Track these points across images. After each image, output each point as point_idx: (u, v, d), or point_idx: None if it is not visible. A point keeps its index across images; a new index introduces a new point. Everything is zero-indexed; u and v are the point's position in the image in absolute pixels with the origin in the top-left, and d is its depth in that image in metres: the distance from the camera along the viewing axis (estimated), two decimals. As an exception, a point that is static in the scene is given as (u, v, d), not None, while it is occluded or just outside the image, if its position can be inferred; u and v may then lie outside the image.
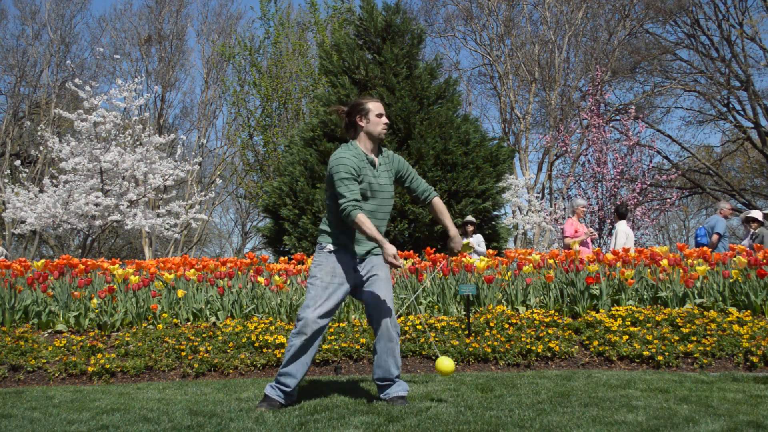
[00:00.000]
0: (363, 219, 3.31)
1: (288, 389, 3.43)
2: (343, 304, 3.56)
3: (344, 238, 3.50)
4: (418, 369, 4.79)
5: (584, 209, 8.53)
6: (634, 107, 16.84)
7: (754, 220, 9.27)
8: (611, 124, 15.77)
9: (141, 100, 14.84)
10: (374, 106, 3.51)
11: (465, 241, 8.29)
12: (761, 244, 8.18)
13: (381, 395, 3.49)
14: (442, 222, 3.68)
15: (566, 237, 7.97)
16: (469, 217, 9.29)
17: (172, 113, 30.90)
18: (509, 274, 6.05)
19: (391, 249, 3.31)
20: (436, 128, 10.70)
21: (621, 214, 9.22)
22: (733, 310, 5.28)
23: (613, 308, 5.35)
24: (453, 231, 3.61)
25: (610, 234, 13.52)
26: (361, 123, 3.52)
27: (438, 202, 3.69)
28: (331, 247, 3.50)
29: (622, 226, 9.00)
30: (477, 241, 9.18)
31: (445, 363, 3.50)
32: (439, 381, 4.19)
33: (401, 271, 3.50)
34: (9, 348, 4.88)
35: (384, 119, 3.52)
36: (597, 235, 8.54)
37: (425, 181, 3.57)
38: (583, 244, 7.95)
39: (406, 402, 3.43)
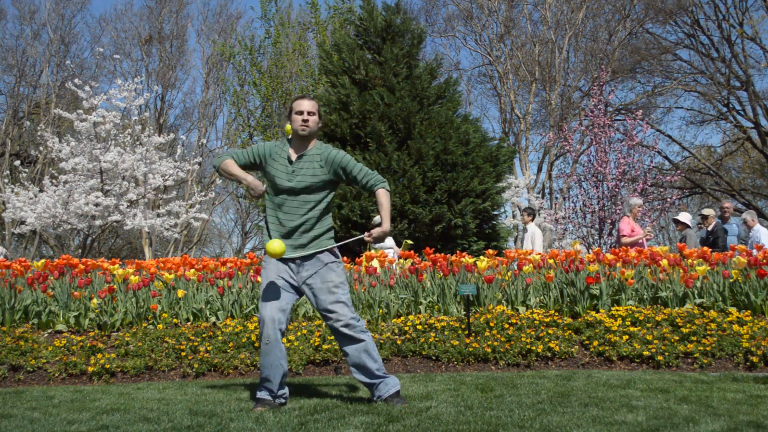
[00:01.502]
0: (227, 163, 3.53)
1: (273, 393, 3.45)
2: (294, 304, 3.57)
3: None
4: (418, 369, 4.79)
5: (640, 208, 8.38)
6: (641, 110, 16.83)
7: (679, 222, 9.31)
8: (614, 125, 15.75)
9: (141, 100, 14.83)
10: (295, 104, 3.59)
11: (407, 241, 8.08)
12: (684, 244, 8.19)
13: (374, 398, 3.50)
14: (379, 213, 3.64)
15: (623, 236, 7.80)
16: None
17: (172, 113, 30.87)
18: (509, 274, 6.05)
19: (255, 184, 3.41)
20: (436, 128, 10.71)
21: (533, 214, 9.22)
22: (733, 310, 5.28)
23: (613, 308, 5.34)
24: (384, 225, 3.51)
25: (610, 234, 13.49)
26: (288, 121, 3.65)
27: (381, 194, 3.53)
28: None
29: (534, 227, 9.04)
30: (390, 243, 9.01)
31: (275, 244, 3.40)
32: (439, 381, 4.18)
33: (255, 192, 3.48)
34: (9, 348, 4.88)
35: (302, 116, 3.53)
36: (652, 235, 8.31)
37: (373, 172, 3.56)
38: (638, 243, 7.80)
39: (404, 399, 3.44)
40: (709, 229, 9.37)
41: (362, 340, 3.46)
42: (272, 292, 3.47)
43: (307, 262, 3.51)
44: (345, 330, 3.44)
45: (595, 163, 14.71)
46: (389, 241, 9.03)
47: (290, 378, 4.54)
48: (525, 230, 9.51)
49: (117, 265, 6.28)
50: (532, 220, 9.26)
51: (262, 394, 3.45)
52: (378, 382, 3.48)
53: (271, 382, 3.42)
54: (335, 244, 3.60)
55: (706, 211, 9.64)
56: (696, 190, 25.25)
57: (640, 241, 7.85)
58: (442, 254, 6.45)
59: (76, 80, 14.19)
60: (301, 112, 3.53)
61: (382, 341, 4.96)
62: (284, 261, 3.53)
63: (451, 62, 27.92)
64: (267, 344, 3.40)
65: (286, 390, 3.52)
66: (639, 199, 8.47)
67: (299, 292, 3.57)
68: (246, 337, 5.02)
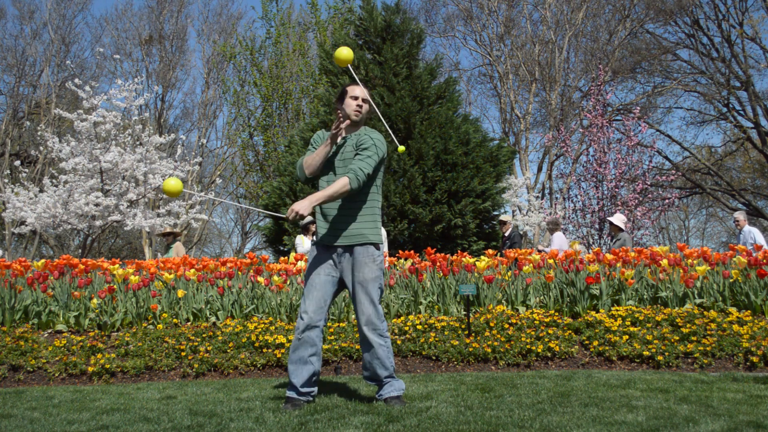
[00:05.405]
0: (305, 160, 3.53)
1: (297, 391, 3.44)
2: (333, 299, 3.53)
3: (320, 230, 3.53)
4: (418, 369, 4.78)
5: None
6: (638, 108, 16.85)
7: (612, 224, 9.31)
8: (613, 125, 15.76)
9: (141, 100, 14.83)
10: (350, 89, 3.59)
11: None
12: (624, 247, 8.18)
13: (376, 395, 3.50)
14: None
15: None
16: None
17: (172, 114, 30.93)
18: (509, 274, 6.05)
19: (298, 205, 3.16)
20: (436, 128, 10.71)
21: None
22: (733, 310, 5.28)
23: (613, 308, 5.34)
24: (305, 200, 3.25)
25: (610, 235, 13.50)
26: (337, 105, 3.60)
27: (341, 180, 3.35)
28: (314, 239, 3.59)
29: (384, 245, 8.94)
30: (299, 241, 9.01)
31: (344, 51, 3.40)
32: (438, 381, 4.18)
33: (291, 217, 3.26)
34: (9, 348, 4.88)
35: (357, 101, 3.53)
36: None
37: (363, 165, 3.39)
38: None
39: (403, 402, 3.41)
40: (506, 234, 9.64)
41: (376, 344, 3.41)
42: (311, 285, 3.44)
43: (347, 254, 3.45)
44: (365, 329, 3.41)
45: (594, 163, 14.71)
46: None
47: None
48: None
49: (117, 265, 6.28)
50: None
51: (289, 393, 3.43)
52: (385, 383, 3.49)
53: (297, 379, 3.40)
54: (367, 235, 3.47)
55: (503, 218, 9.76)
56: (696, 190, 25.26)
57: None
58: (442, 254, 6.45)
59: (76, 80, 14.18)
60: (355, 98, 3.54)
61: (382, 341, 4.96)
62: (328, 249, 3.47)
63: (451, 62, 28.01)
64: (298, 339, 3.39)
65: (314, 389, 3.47)
66: None
67: (342, 284, 3.51)
68: (246, 337, 5.01)
